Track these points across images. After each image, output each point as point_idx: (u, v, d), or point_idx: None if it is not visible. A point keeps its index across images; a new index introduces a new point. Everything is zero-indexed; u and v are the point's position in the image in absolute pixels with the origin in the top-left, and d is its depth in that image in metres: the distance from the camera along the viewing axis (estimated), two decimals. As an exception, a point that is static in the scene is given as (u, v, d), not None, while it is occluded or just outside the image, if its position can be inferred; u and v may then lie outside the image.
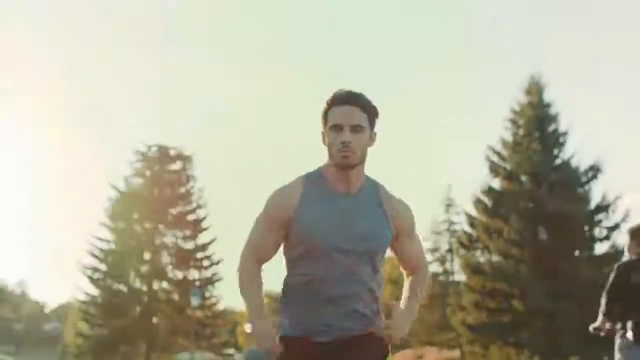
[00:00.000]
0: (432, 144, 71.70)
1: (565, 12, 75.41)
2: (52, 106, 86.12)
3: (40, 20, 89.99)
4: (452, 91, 77.79)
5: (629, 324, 5.64)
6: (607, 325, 5.72)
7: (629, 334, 5.63)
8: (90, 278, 36.77)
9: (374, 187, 3.06)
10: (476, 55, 77.46)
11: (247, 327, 2.97)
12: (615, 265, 5.85)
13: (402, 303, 3.13)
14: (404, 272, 3.24)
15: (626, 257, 5.97)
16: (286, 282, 3.09)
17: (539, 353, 28.07)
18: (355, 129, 2.94)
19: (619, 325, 5.70)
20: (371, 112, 3.01)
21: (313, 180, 3.04)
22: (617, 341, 5.68)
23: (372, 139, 3.03)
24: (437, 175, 69.34)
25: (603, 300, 5.76)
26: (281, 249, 3.11)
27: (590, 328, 5.90)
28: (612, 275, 5.76)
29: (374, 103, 3.04)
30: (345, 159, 2.93)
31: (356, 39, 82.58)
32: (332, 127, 2.96)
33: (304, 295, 3.01)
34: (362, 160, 2.99)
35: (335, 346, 2.98)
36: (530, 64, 56.61)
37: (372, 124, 3.02)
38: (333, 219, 2.95)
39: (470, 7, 79.99)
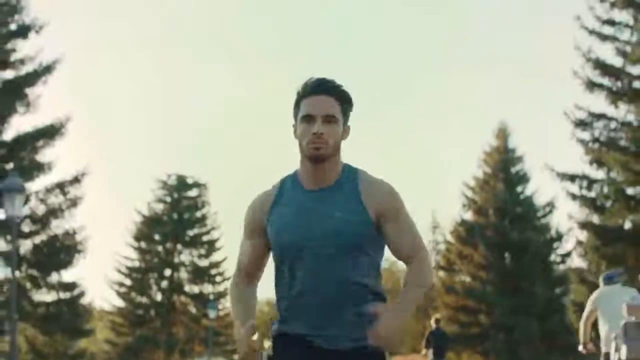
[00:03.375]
0: (424, 164, 78.81)
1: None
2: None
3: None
4: (449, 107, 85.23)
5: (431, 351, 14.42)
6: (428, 354, 14.68)
7: (431, 356, 14.50)
8: (117, 292, 44.09)
9: (352, 176, 3.01)
10: (478, 63, 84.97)
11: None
12: (430, 331, 14.85)
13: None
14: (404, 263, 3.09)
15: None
16: (275, 285, 3.09)
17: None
18: (328, 119, 2.92)
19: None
20: (345, 103, 2.98)
21: (287, 182, 3.05)
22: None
23: (345, 131, 3.01)
24: (426, 196, 76.16)
25: (423, 343, 14.77)
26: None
27: (422, 354, 15.11)
28: (427, 334, 14.71)
29: (348, 92, 3.02)
30: (316, 151, 2.91)
31: (356, 40, 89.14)
32: (303, 118, 2.94)
33: (288, 303, 3.00)
34: (334, 153, 2.96)
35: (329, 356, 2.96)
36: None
37: (345, 116, 2.99)
38: (300, 217, 2.95)
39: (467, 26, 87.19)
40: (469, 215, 38.65)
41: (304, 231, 2.94)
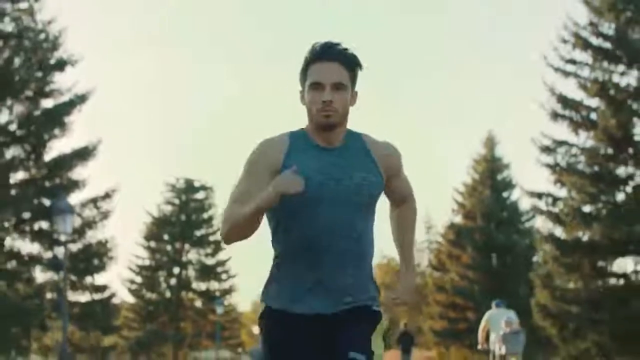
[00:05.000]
0: (420, 168, 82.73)
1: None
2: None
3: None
4: (447, 100, 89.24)
5: (400, 347, 19.20)
6: (398, 350, 19.57)
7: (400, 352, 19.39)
8: (128, 289, 48.01)
9: (357, 137, 3.18)
10: (478, 60, 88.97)
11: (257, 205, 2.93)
12: (400, 332, 19.60)
13: (399, 247, 3.37)
14: (391, 204, 3.41)
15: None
16: (277, 244, 3.16)
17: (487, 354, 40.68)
18: (337, 87, 3.03)
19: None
20: (353, 68, 3.10)
21: (298, 135, 3.15)
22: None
23: (353, 97, 3.12)
24: (420, 198, 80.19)
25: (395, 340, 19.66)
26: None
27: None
28: (397, 334, 19.44)
29: (356, 55, 3.12)
30: (327, 119, 3.03)
31: (356, 40, 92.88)
32: (311, 85, 3.04)
33: (297, 254, 3.08)
34: (343, 120, 3.09)
35: (327, 321, 3.08)
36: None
37: (353, 82, 3.12)
38: (325, 170, 3.06)
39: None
40: (458, 219, 43.11)
41: (327, 183, 3.03)
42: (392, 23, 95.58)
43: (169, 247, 48.66)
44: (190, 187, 49.79)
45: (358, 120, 3.20)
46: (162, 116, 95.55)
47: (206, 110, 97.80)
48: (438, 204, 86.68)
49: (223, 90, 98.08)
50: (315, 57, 3.06)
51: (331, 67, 3.03)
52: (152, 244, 48.70)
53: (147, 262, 48.28)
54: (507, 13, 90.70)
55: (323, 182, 3.05)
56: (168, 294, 48.06)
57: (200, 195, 50.01)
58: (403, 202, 3.39)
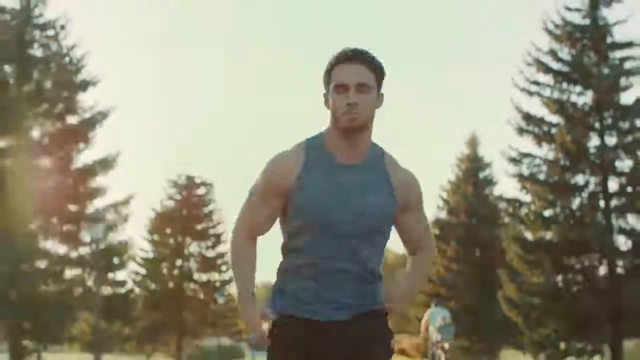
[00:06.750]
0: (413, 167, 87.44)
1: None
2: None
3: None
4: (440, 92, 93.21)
5: None
6: None
7: None
8: (133, 280, 51.90)
9: (380, 156, 3.23)
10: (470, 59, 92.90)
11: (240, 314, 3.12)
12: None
13: (403, 280, 3.38)
14: (406, 250, 3.40)
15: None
16: (284, 257, 3.27)
17: (468, 339, 45.62)
18: (362, 88, 3.09)
19: None
20: (379, 71, 3.17)
21: (315, 148, 3.19)
22: None
23: (379, 100, 3.17)
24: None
25: None
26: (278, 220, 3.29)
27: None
28: None
29: (381, 62, 3.16)
30: (352, 122, 3.07)
31: (355, 39, 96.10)
32: (336, 87, 3.10)
33: (302, 272, 3.16)
34: (368, 124, 3.14)
35: (338, 325, 3.17)
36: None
37: (379, 84, 3.18)
38: (336, 192, 3.11)
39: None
40: (443, 215, 48.03)
41: (336, 207, 3.11)
42: (388, 21, 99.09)
43: (171, 241, 52.54)
44: (191, 184, 53.68)
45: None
46: (162, 117, 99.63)
47: (206, 110, 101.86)
48: (425, 200, 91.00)
49: (223, 91, 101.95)
50: (340, 59, 3.15)
51: (356, 68, 3.11)
52: (156, 237, 52.73)
53: (150, 255, 52.32)
54: (503, 11, 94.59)
55: (332, 206, 3.12)
56: (171, 285, 51.93)
57: (200, 191, 54.06)
58: (418, 249, 3.39)
